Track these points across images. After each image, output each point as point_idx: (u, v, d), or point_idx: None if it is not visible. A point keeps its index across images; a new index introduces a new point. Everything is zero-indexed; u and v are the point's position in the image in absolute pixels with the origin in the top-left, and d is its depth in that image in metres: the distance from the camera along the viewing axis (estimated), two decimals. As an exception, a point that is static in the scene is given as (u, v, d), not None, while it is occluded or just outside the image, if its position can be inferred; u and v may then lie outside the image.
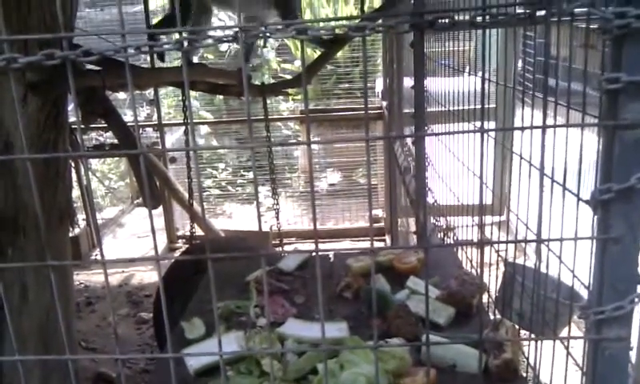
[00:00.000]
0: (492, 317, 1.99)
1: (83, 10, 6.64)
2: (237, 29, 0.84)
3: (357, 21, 0.86)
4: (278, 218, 4.49)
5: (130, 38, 0.87)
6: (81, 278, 5.52)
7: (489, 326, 1.72)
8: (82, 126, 3.43)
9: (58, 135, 2.56)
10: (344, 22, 0.81)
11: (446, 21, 0.84)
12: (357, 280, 2.14)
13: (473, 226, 2.63)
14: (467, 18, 0.88)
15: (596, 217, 0.96)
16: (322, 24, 0.85)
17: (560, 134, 1.20)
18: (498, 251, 2.18)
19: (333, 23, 0.85)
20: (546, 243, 1.34)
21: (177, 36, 0.83)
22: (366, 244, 6.16)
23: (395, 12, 3.53)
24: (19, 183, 2.39)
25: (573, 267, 1.41)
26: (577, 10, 0.88)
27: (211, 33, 0.86)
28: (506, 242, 1.42)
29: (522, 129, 0.92)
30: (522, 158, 1.71)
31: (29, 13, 2.21)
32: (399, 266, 2.24)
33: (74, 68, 0.85)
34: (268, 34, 0.86)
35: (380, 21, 0.85)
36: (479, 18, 0.85)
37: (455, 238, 2.88)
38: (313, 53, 4.57)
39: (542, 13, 0.87)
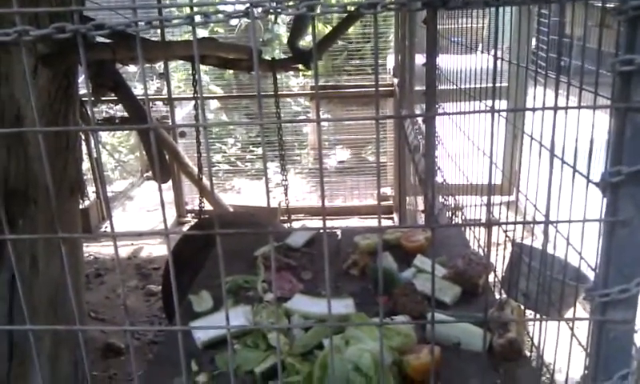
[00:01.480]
0: (498, 296, 2.00)
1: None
2: (248, 4, 0.83)
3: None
4: (286, 194, 4.50)
5: (141, 11, 0.87)
6: (90, 249, 5.58)
7: (494, 306, 1.73)
8: (92, 99, 3.44)
9: (69, 107, 2.57)
10: (356, -1, 0.80)
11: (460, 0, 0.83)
12: (364, 257, 2.15)
13: (481, 205, 2.63)
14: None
15: (605, 199, 0.95)
16: (333, 0, 0.84)
17: (572, 114, 1.19)
18: (505, 231, 2.18)
19: None
20: (554, 225, 1.34)
21: (187, 10, 0.83)
22: (374, 222, 6.17)
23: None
24: (30, 155, 2.40)
25: (580, 249, 1.41)
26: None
27: (222, 8, 0.86)
28: (514, 223, 1.43)
29: (534, 110, 0.91)
30: (532, 138, 1.70)
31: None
32: (406, 245, 2.25)
33: (85, 41, 0.85)
34: (279, 10, 0.86)
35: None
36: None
37: (463, 217, 2.89)
38: (324, 28, 4.54)
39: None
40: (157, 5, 3.10)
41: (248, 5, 0.84)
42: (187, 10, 0.78)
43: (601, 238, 0.98)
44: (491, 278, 2.18)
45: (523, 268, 1.82)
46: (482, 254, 2.17)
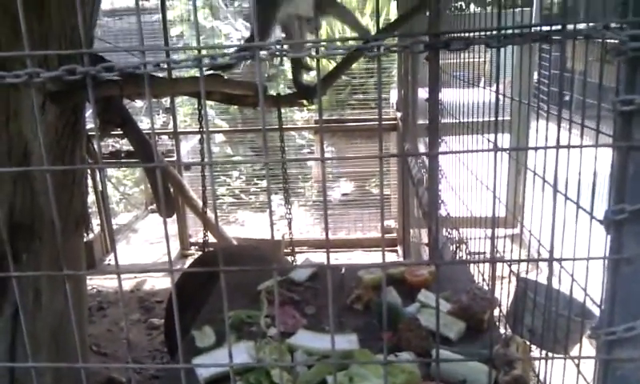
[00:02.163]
0: (503, 332, 1.99)
1: (102, 18, 6.72)
2: (253, 47, 0.85)
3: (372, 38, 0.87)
4: (290, 227, 4.51)
5: (149, 51, 0.89)
6: (94, 282, 5.57)
7: (499, 342, 1.72)
8: (99, 135, 3.47)
9: (76, 142, 2.60)
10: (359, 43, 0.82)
11: (461, 41, 0.85)
12: (367, 292, 2.14)
13: (485, 238, 2.62)
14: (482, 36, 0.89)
15: (609, 236, 0.95)
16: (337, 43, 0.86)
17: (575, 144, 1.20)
18: (510, 265, 2.17)
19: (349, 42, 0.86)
20: (559, 260, 1.34)
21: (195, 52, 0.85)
22: (378, 255, 6.15)
23: (411, 31, 3.55)
24: (36, 189, 2.42)
25: (585, 285, 1.40)
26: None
27: (228, 50, 0.88)
28: (518, 261, 1.42)
29: (536, 149, 0.92)
30: (535, 173, 1.71)
31: (50, 24, 2.25)
32: (410, 279, 2.24)
33: (93, 79, 0.87)
34: (284, 53, 0.88)
35: (396, 40, 0.86)
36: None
37: (467, 250, 2.88)
38: (328, 64, 4.59)
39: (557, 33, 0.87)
40: (165, 48, 3.16)
41: (253, 47, 0.86)
42: (195, 52, 0.81)
43: (605, 275, 0.98)
44: (496, 312, 2.17)
45: (528, 303, 1.81)
46: (487, 288, 2.15)
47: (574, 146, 0.93)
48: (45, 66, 2.04)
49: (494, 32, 0.86)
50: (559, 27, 0.86)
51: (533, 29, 0.92)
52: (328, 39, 0.86)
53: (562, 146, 0.91)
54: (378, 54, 0.86)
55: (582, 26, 0.87)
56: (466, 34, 0.87)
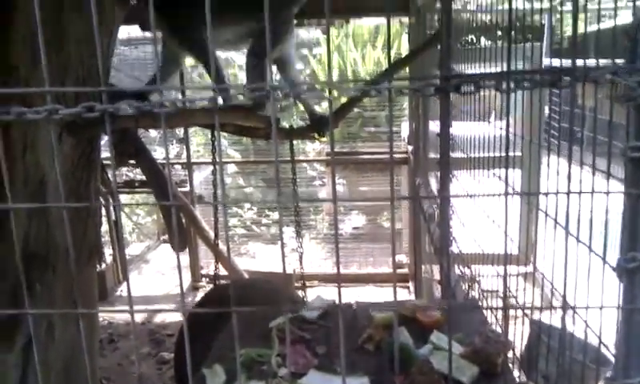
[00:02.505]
0: (517, 377, 1.95)
1: (118, 47, 6.85)
2: (268, 87, 0.87)
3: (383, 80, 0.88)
4: (301, 261, 4.49)
5: (166, 89, 0.92)
6: (105, 314, 5.57)
7: (513, 386, 1.69)
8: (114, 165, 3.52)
9: (91, 173, 2.63)
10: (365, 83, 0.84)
11: (471, 86, 0.86)
12: (379, 332, 2.12)
13: (498, 276, 2.60)
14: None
15: (622, 284, 0.95)
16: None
17: (586, 182, 1.20)
18: (523, 309, 2.15)
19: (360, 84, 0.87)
20: (572, 308, 1.33)
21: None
22: (389, 290, 6.09)
23: (422, 66, 3.58)
24: (51, 220, 2.45)
25: (599, 331, 1.38)
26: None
27: (243, 90, 0.90)
28: (531, 309, 1.41)
29: (547, 194, 0.92)
30: (547, 215, 1.70)
31: (68, 55, 2.30)
32: (422, 319, 2.22)
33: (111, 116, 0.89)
34: (298, 93, 0.89)
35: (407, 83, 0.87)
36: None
37: (480, 290, 2.85)
38: (340, 98, 4.64)
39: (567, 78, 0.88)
40: (181, 87, 3.23)
41: (268, 88, 0.88)
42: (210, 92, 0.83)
43: (619, 323, 0.97)
44: (510, 355, 2.14)
45: (542, 348, 1.78)
46: (500, 329, 2.13)
47: (584, 192, 0.93)
48: (62, 98, 2.07)
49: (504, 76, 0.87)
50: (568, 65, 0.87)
51: (542, 69, 0.92)
52: (341, 81, 0.87)
53: (573, 192, 0.91)
54: (390, 97, 0.88)
55: (590, 62, 0.88)
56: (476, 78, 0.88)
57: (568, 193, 0.92)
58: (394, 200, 0.90)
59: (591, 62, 1.61)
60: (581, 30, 2.28)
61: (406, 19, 5.53)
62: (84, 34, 2.32)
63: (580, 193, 0.99)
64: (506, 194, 0.90)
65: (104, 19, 2.41)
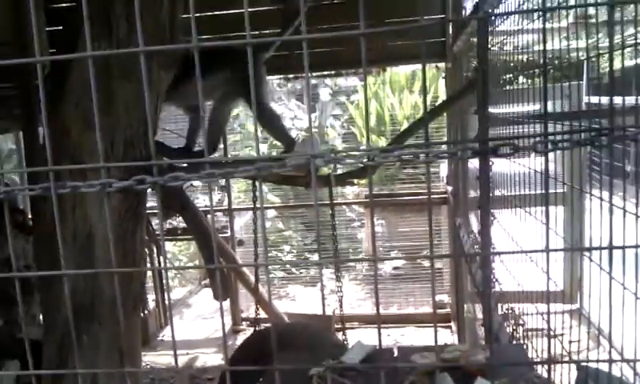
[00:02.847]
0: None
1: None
2: (309, 156, 0.91)
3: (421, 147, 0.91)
4: (341, 304, 4.49)
5: (212, 161, 0.97)
6: (148, 358, 5.63)
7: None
8: (162, 220, 3.61)
9: (137, 225, 2.71)
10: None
11: (509, 148, 0.88)
12: (422, 379, 2.10)
13: (542, 314, 2.55)
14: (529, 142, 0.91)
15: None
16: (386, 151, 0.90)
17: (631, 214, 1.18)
18: (569, 350, 2.10)
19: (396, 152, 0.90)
20: (620, 352, 1.30)
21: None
22: (430, 330, 6.00)
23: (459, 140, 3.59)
24: (98, 273, 2.53)
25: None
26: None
27: (285, 161, 0.94)
28: (577, 362, 1.39)
29: (591, 249, 0.93)
30: (591, 260, 1.68)
31: (117, 119, 2.41)
32: (466, 366, 2.19)
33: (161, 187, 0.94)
34: (338, 161, 0.93)
35: (445, 147, 0.90)
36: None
37: (524, 330, 2.79)
38: (378, 139, 4.68)
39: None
40: (224, 158, 3.35)
41: (309, 156, 0.92)
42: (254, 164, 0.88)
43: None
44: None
45: (590, 395, 1.74)
46: (546, 376, 2.08)
47: (628, 247, 0.93)
48: (111, 154, 2.15)
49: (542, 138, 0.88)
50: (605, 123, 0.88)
51: (581, 130, 0.94)
52: (379, 148, 0.92)
53: (616, 247, 0.91)
54: (428, 161, 0.91)
55: (630, 100, 0.89)
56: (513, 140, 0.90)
57: (610, 248, 0.92)
58: (434, 258, 0.92)
59: (630, 99, 1.61)
60: (618, 65, 2.28)
61: (442, 64, 5.58)
62: (132, 97, 2.44)
63: (624, 248, 0.98)
64: (548, 250, 0.91)
65: (151, 82, 2.53)
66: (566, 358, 2.05)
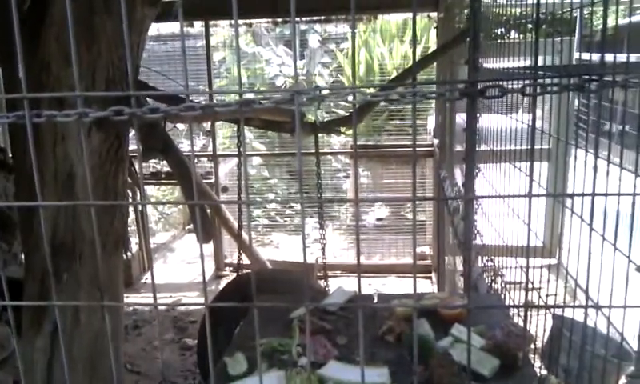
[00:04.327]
0: (538, 371, 1.95)
1: (148, 43, 6.91)
2: (293, 91, 0.88)
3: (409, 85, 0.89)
4: (323, 252, 4.52)
5: (191, 73, 0.94)
6: (130, 300, 5.67)
7: (534, 381, 1.69)
8: (142, 160, 3.57)
9: (119, 166, 2.68)
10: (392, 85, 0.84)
11: (497, 90, 0.86)
12: (400, 324, 2.13)
13: (521, 268, 2.59)
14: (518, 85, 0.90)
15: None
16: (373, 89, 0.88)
17: (613, 174, 1.18)
18: (546, 301, 2.14)
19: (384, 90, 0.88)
20: (596, 307, 1.32)
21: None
22: (411, 281, 6.08)
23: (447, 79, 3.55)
24: (78, 212, 2.50)
25: (622, 327, 1.38)
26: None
27: (268, 95, 0.92)
28: (554, 307, 1.41)
29: (573, 196, 0.92)
30: (572, 212, 1.69)
31: (99, 52, 2.35)
32: (444, 312, 2.23)
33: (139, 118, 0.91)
34: (322, 98, 0.91)
35: (433, 87, 0.88)
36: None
37: (503, 282, 2.84)
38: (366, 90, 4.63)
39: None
40: (208, 92, 3.28)
41: (293, 93, 0.89)
42: (237, 96, 0.85)
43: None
44: (532, 347, 2.13)
45: (564, 342, 1.78)
46: (522, 324, 2.12)
47: (611, 194, 0.93)
48: (92, 91, 2.11)
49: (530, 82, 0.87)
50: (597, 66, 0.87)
51: (569, 74, 0.92)
52: (364, 85, 0.88)
53: (599, 194, 0.91)
54: (414, 101, 0.89)
55: (621, 57, 0.87)
56: (502, 81, 0.89)
57: (593, 195, 0.92)
58: (417, 200, 0.92)
59: (622, 56, 1.59)
60: (612, 23, 2.25)
61: (434, 14, 5.48)
62: (114, 34, 2.37)
63: (606, 195, 0.98)
64: (530, 195, 0.90)
65: (134, 20, 2.45)
66: (544, 312, 2.08)
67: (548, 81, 0.88)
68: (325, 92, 0.92)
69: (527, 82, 0.87)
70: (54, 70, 2.39)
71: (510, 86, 0.89)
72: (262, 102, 0.93)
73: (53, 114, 0.93)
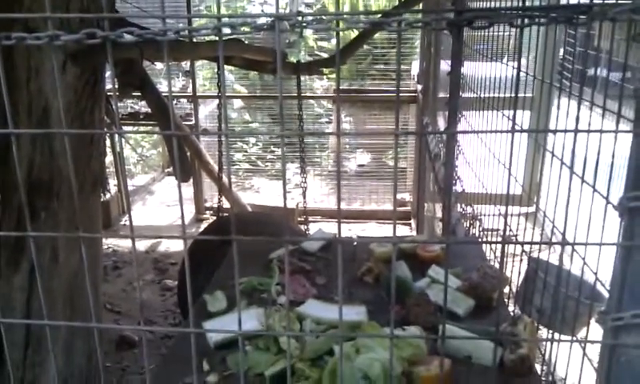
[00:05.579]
0: (512, 311, 2.00)
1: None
2: (273, 16, 0.85)
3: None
4: (304, 196, 4.52)
5: (169, 10, 0.90)
6: (109, 241, 5.66)
7: (507, 321, 1.73)
8: (118, 97, 3.49)
9: (95, 103, 2.62)
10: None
11: (484, 21, 0.84)
12: (378, 265, 2.15)
13: (499, 215, 2.62)
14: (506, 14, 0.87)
15: (622, 222, 0.95)
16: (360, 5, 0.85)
17: (595, 125, 1.18)
18: (522, 244, 2.17)
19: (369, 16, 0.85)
20: (571, 244, 1.34)
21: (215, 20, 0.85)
22: (391, 227, 6.14)
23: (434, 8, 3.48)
24: (55, 148, 2.45)
25: (596, 268, 1.40)
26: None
27: (248, 19, 0.88)
28: (530, 243, 1.42)
29: (555, 132, 0.91)
30: (553, 154, 1.70)
31: (72, -18, 2.26)
32: (422, 254, 2.25)
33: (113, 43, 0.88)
34: (304, 24, 0.87)
35: (419, 16, 0.85)
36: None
37: (481, 227, 2.87)
38: (350, 33, 4.55)
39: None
40: (186, 15, 3.17)
41: (273, 18, 0.86)
42: (215, 20, 0.81)
43: (616, 260, 0.98)
44: (506, 290, 2.18)
45: (538, 284, 1.81)
46: (498, 267, 2.16)
47: (593, 131, 0.92)
48: (66, 26, 2.06)
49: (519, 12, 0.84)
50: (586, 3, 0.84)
51: (558, 5, 0.90)
52: (349, 12, 0.85)
53: (581, 131, 0.90)
54: (399, 30, 0.86)
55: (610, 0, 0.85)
56: (490, 12, 0.86)
57: (575, 131, 0.91)
58: (399, 136, 0.90)
59: (610, 0, 1.57)
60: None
61: (421, -49, 5.34)
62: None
63: (588, 131, 0.97)
64: (513, 130, 0.89)
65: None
66: (520, 257, 2.11)
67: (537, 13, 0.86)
68: (307, 19, 0.89)
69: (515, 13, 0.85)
70: (26, 1, 2.30)
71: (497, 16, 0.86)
72: (242, 29, 0.89)
73: (23, 37, 0.89)
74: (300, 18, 0.87)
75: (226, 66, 4.11)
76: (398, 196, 6.48)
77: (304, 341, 1.65)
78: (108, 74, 2.94)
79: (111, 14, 1.57)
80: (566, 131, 0.91)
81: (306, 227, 4.75)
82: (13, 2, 2.30)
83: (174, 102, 6.50)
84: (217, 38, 0.90)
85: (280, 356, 1.59)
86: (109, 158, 5.94)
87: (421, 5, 3.57)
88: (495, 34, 2.77)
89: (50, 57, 2.29)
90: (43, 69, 2.36)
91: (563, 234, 1.01)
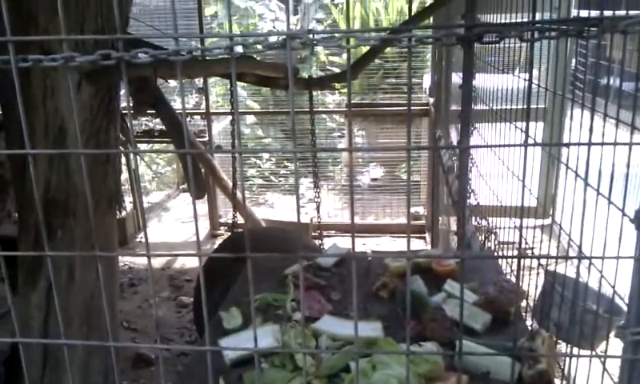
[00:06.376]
0: (529, 325, 1.97)
1: (137, -3, 6.76)
2: (285, 34, 0.86)
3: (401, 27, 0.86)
4: (318, 211, 4.52)
5: (182, 28, 0.91)
6: (126, 259, 5.69)
7: (525, 335, 1.71)
8: (133, 115, 3.53)
9: (110, 122, 2.65)
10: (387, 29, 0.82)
11: (494, 35, 0.84)
12: (393, 280, 2.14)
13: (515, 228, 2.59)
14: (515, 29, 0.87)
15: (639, 234, 0.94)
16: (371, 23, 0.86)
17: (609, 136, 1.17)
18: (538, 258, 2.15)
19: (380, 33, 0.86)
20: (588, 258, 1.32)
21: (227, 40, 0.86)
22: (405, 241, 6.09)
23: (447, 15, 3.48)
24: (71, 167, 2.48)
25: (614, 281, 1.38)
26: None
27: (260, 38, 0.89)
28: (547, 257, 1.41)
29: (568, 145, 0.91)
30: (567, 167, 1.68)
31: (87, 5, 2.29)
32: (437, 268, 2.24)
33: (127, 64, 0.89)
34: (315, 42, 0.88)
35: (429, 31, 0.85)
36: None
37: (496, 241, 2.85)
38: (361, 48, 4.58)
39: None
40: (199, 35, 3.21)
41: (285, 36, 0.87)
42: (227, 40, 0.82)
43: (633, 274, 0.96)
44: (524, 304, 2.15)
45: (556, 297, 1.79)
46: (515, 280, 2.13)
47: (606, 144, 0.91)
48: (81, 46, 2.09)
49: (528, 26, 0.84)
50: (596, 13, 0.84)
51: (568, 18, 0.90)
52: (359, 29, 0.86)
53: (595, 144, 0.89)
54: (409, 46, 0.86)
55: (619, 13, 0.85)
56: (500, 27, 0.86)
57: (589, 144, 0.90)
58: (412, 150, 0.90)
59: (620, 13, 1.56)
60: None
61: (430, -34, 5.36)
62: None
63: (602, 144, 0.97)
64: (526, 144, 0.89)
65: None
66: (537, 270, 2.09)
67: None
68: (318, 37, 0.89)
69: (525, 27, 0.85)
70: (42, 22, 2.34)
71: (507, 31, 0.86)
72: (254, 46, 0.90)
73: (39, 58, 0.91)
74: (311, 36, 0.88)
75: (238, 83, 4.14)
76: (412, 209, 6.46)
77: (320, 357, 1.65)
78: (122, 92, 2.98)
79: (125, 35, 1.61)
80: (579, 144, 0.91)
81: (320, 242, 4.75)
82: (29, 24, 2.34)
83: (188, 118, 6.55)
84: (229, 56, 0.91)
85: (296, 373, 1.58)
86: (124, 176, 5.98)
87: (431, 18, 3.57)
88: (507, 45, 2.77)
89: (65, 76, 2.32)
90: (59, 88, 2.40)
91: (579, 248, 1.00)
